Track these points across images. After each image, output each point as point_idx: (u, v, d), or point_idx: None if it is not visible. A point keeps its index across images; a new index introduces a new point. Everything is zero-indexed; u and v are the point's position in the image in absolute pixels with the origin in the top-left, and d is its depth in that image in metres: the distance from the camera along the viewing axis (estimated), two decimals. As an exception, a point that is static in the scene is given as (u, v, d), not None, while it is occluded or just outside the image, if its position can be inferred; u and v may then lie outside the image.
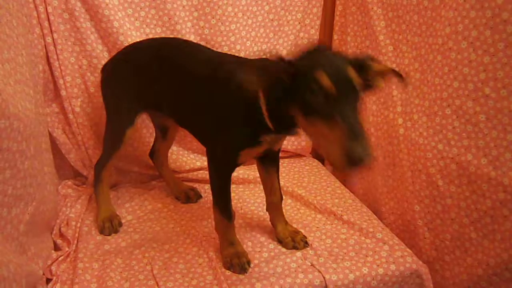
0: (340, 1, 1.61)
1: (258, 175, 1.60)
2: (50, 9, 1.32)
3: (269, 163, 1.27)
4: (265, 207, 1.33)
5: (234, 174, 1.60)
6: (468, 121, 1.11)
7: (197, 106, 1.19)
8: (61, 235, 1.32)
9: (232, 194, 1.53)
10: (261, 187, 1.59)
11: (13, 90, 0.88)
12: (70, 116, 1.44)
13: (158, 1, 1.44)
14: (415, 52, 1.29)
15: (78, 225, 1.37)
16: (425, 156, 1.25)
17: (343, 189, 1.58)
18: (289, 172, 1.70)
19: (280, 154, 1.77)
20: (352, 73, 0.84)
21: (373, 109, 1.49)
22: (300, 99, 0.86)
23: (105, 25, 1.39)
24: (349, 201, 1.50)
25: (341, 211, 1.41)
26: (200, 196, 1.54)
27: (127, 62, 1.29)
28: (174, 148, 1.65)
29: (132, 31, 1.43)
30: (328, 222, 1.37)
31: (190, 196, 1.52)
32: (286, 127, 1.00)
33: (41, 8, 1.30)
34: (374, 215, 1.41)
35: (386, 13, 1.39)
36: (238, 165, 1.16)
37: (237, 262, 1.15)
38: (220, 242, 1.22)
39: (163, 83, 1.23)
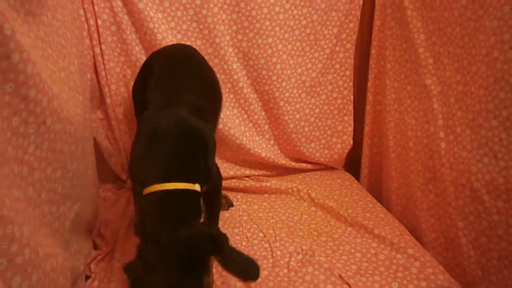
0: (379, 16, 1.62)
1: (289, 186, 1.63)
2: (99, 22, 1.41)
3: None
4: (295, 217, 1.35)
5: (267, 184, 1.65)
6: None
7: None
8: (100, 235, 1.39)
9: (264, 203, 1.57)
10: (292, 197, 1.62)
11: (67, 96, 0.96)
12: (113, 122, 1.52)
13: (199, 15, 1.51)
14: (457, 64, 1.28)
15: (116, 226, 1.44)
16: (469, 170, 1.22)
17: (375, 203, 1.57)
18: (320, 184, 1.71)
19: (312, 167, 1.82)
20: None
21: (412, 123, 1.47)
22: None
23: (149, 37, 1.47)
24: (381, 215, 1.49)
25: (372, 225, 1.41)
26: (232, 205, 1.57)
27: (142, 68, 1.36)
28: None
29: (175, 43, 1.50)
30: (359, 236, 1.37)
31: (222, 204, 1.55)
32: None
33: (91, 21, 1.40)
34: (407, 231, 1.40)
35: (427, 26, 1.39)
36: None
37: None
38: None
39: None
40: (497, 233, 1.15)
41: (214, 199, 1.23)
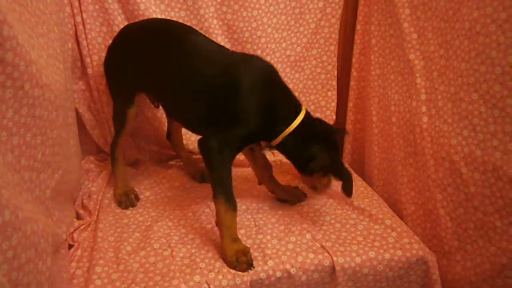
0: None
1: (272, 159, 1.64)
2: (80, -10, 1.37)
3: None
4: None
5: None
6: (495, 105, 1.10)
7: (199, 98, 1.23)
8: (83, 206, 1.39)
9: (248, 176, 1.58)
10: (275, 170, 1.63)
11: (46, 62, 0.94)
12: (95, 94, 1.50)
13: (183, -15, 1.48)
14: (441, 39, 1.29)
15: (100, 198, 1.44)
16: (449, 143, 1.24)
17: (356, 177, 1.61)
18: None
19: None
20: None
21: (395, 98, 1.49)
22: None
23: (132, 7, 1.44)
24: (361, 188, 1.52)
25: (353, 197, 1.44)
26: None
27: (123, 43, 1.35)
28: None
29: (158, 13, 1.48)
30: (339, 207, 1.40)
31: (205, 177, 1.57)
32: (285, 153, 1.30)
33: (72, -11, 1.36)
34: (385, 203, 1.44)
35: (411, 1, 1.40)
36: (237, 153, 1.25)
37: (244, 260, 1.12)
38: (222, 239, 1.16)
39: (156, 67, 1.27)
40: (473, 204, 1.19)
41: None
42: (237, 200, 1.41)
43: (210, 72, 1.20)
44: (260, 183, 1.48)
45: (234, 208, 1.17)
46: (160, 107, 1.48)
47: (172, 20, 1.39)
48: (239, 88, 1.16)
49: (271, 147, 1.27)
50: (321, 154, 1.22)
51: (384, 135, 1.57)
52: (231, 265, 1.12)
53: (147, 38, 1.30)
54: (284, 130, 1.21)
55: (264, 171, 1.42)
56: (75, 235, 1.24)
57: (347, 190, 1.22)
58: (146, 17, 1.45)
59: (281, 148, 1.26)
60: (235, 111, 1.17)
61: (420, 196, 1.39)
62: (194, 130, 1.35)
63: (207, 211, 1.39)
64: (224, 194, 1.16)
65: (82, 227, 1.28)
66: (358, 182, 1.57)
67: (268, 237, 1.24)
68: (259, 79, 1.21)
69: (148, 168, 1.65)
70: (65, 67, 1.19)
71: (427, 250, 1.22)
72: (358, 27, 1.68)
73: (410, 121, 1.42)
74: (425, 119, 1.35)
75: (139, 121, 1.63)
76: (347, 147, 1.82)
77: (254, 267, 1.12)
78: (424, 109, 1.35)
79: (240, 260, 1.11)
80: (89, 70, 1.47)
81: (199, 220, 1.34)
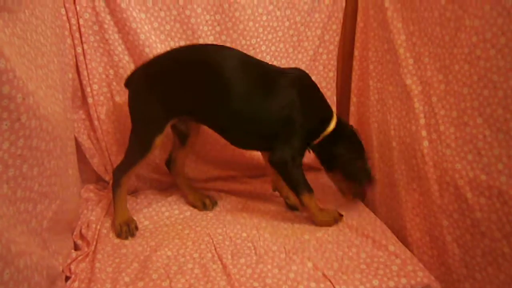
0: (361, 17, 1.64)
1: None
2: (81, 21, 1.40)
3: None
4: (279, 216, 1.36)
5: (251, 187, 1.65)
6: (500, 129, 1.09)
7: (258, 120, 1.35)
8: (81, 236, 1.37)
9: (248, 203, 1.57)
10: (276, 198, 1.62)
11: (44, 93, 0.95)
12: (96, 123, 1.51)
13: (182, 16, 1.51)
14: (439, 64, 1.30)
15: (98, 227, 1.42)
16: (453, 168, 1.23)
17: (358, 202, 1.59)
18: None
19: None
20: None
21: (394, 123, 1.49)
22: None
23: (132, 37, 1.46)
24: (363, 214, 1.50)
25: (355, 223, 1.42)
26: (216, 204, 1.57)
27: (156, 71, 1.35)
28: (193, 157, 1.70)
29: (158, 44, 1.50)
30: (341, 234, 1.38)
31: (206, 204, 1.55)
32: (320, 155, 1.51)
33: (73, 20, 1.39)
34: (388, 229, 1.41)
35: (407, 26, 1.41)
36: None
37: (334, 216, 1.45)
38: (314, 215, 1.43)
39: (199, 88, 1.32)
40: (480, 230, 1.16)
41: None
42: (238, 227, 1.41)
43: (262, 93, 1.34)
44: (274, 189, 1.60)
45: (313, 192, 1.41)
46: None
47: (208, 45, 1.48)
48: (293, 103, 1.35)
49: (311, 146, 1.44)
50: (347, 156, 1.44)
51: (385, 160, 1.56)
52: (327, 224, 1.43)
53: (194, 62, 1.33)
54: (325, 130, 1.41)
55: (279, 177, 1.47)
56: (72, 266, 1.21)
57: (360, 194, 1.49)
58: (145, 47, 1.47)
59: (318, 148, 1.45)
60: (294, 122, 1.35)
61: (425, 222, 1.36)
62: (251, 148, 1.52)
63: (206, 240, 1.36)
64: (306, 190, 1.39)
65: (79, 258, 1.25)
66: (360, 207, 1.55)
67: (269, 266, 1.22)
68: (305, 89, 1.40)
69: (147, 196, 1.63)
70: (65, 97, 1.20)
71: (432, 278, 1.19)
72: (356, 53, 1.70)
73: (411, 145, 1.41)
74: (425, 143, 1.34)
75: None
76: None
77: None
78: (424, 133, 1.35)
79: (335, 219, 1.44)
80: (90, 100, 1.48)
81: (199, 250, 1.31)
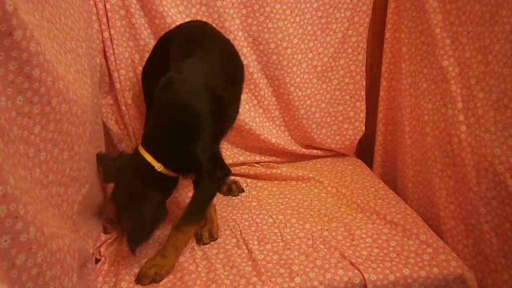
0: (393, -2, 1.57)
1: (300, 172, 1.61)
2: (108, 6, 1.40)
3: None
4: (305, 203, 1.33)
5: (277, 171, 1.63)
6: None
7: None
8: (109, 220, 1.39)
9: (274, 189, 1.55)
10: (303, 184, 1.60)
11: (73, 78, 0.95)
12: (123, 108, 1.52)
13: (209, -1, 1.49)
14: (478, 44, 1.23)
15: (126, 211, 1.44)
16: (492, 153, 1.17)
17: (387, 190, 1.54)
18: (331, 171, 1.69)
19: (323, 153, 1.79)
20: None
21: (428, 107, 1.43)
22: None
23: (158, 21, 1.45)
24: (393, 202, 1.46)
25: (384, 211, 1.39)
26: (243, 190, 1.56)
27: (154, 50, 1.38)
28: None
29: (183, 28, 1.49)
30: (370, 222, 1.35)
31: (232, 189, 1.55)
32: None
33: (100, 5, 1.39)
34: (419, 217, 1.37)
35: (443, 5, 1.34)
36: None
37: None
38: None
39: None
40: None
41: (198, 187, 1.26)
42: (264, 212, 1.40)
43: None
44: None
45: None
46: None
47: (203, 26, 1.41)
48: None
49: None
50: None
51: (418, 146, 1.51)
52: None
53: (168, 41, 1.33)
54: None
55: None
56: (102, 249, 1.23)
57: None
58: (172, 31, 1.46)
59: None
60: None
61: (461, 210, 1.31)
62: None
63: (232, 225, 1.36)
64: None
65: (109, 241, 1.27)
66: (390, 196, 1.50)
67: (296, 253, 1.20)
68: None
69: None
70: (93, 82, 1.20)
71: (466, 268, 1.15)
72: (387, 35, 1.63)
73: (446, 131, 1.35)
74: (463, 128, 1.28)
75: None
76: (377, 159, 1.76)
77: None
78: (461, 117, 1.29)
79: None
80: (117, 85, 1.49)
81: (224, 235, 1.31)
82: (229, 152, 1.72)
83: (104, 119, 1.48)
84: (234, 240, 1.28)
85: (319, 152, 1.79)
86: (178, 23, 1.47)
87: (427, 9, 1.38)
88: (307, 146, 1.79)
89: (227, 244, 1.26)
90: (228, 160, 1.70)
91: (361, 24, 1.64)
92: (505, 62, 1.12)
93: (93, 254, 1.17)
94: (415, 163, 1.53)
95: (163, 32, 1.46)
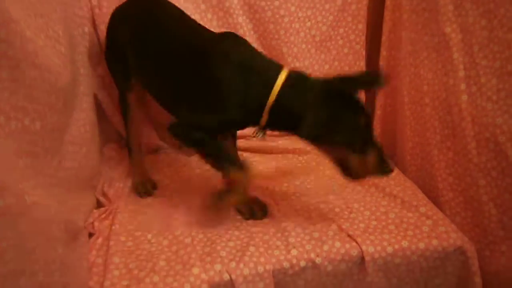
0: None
1: (297, 146, 1.57)
2: (95, -29, 1.33)
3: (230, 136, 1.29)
4: (302, 176, 1.30)
5: (273, 144, 1.60)
6: None
7: (181, 78, 1.11)
8: (104, 194, 1.37)
9: (272, 162, 1.52)
10: (300, 157, 1.56)
11: (44, 43, 0.89)
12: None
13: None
14: (482, 8, 1.17)
15: (121, 185, 1.42)
16: (494, 123, 1.14)
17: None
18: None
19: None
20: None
21: (428, 77, 1.38)
22: (335, 135, 0.98)
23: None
24: (392, 174, 1.42)
25: (383, 184, 1.36)
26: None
27: (111, 23, 1.30)
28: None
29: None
30: (368, 194, 1.32)
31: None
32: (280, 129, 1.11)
33: (87, -30, 1.32)
34: (419, 190, 1.35)
35: None
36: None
37: (260, 208, 1.21)
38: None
39: (138, 45, 1.21)
40: None
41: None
42: (260, 185, 1.37)
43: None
44: None
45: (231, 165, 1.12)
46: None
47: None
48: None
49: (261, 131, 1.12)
50: (310, 111, 0.96)
51: (417, 117, 1.46)
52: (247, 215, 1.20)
53: (131, 15, 1.26)
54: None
55: None
56: (96, 223, 1.21)
57: (379, 167, 1.03)
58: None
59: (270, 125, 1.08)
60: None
61: (460, 182, 1.28)
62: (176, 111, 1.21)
63: (228, 199, 1.34)
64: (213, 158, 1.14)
65: (103, 216, 1.25)
66: (388, 168, 1.47)
67: (292, 225, 1.18)
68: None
69: (169, 156, 1.61)
70: (77, 52, 1.15)
71: (466, 239, 1.13)
72: (387, 2, 1.57)
73: (446, 101, 1.31)
74: (464, 97, 1.24)
75: (157, 108, 1.59)
76: (377, 131, 1.72)
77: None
78: (463, 86, 1.24)
79: (255, 210, 1.21)
80: (107, 55, 1.43)
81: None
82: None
83: (96, 91, 1.43)
84: (232, 213, 1.26)
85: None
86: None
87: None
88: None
89: (224, 218, 1.24)
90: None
91: (358, 42, 1.58)
92: (510, 26, 1.07)
93: (85, 227, 1.15)
94: (413, 134, 1.49)
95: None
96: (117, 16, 1.30)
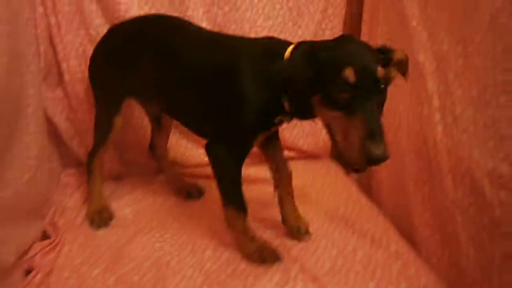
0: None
1: (267, 176, 1.48)
2: (55, -11, 1.27)
3: (272, 140, 1.19)
4: (268, 208, 1.21)
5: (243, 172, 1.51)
6: None
7: (200, 92, 1.08)
8: (53, 223, 1.27)
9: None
10: (268, 188, 1.47)
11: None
12: (74, 101, 1.39)
13: (169, -16, 1.37)
14: (457, 35, 1.12)
15: (74, 214, 1.32)
16: (470, 157, 1.06)
17: (360, 195, 1.43)
18: (302, 174, 1.56)
19: (296, 154, 1.67)
20: (380, 71, 0.84)
21: (402, 106, 1.32)
22: (324, 91, 0.85)
23: (112, 8, 1.33)
24: (365, 208, 1.35)
25: (354, 218, 1.27)
26: (203, 193, 1.44)
27: (109, 44, 1.22)
28: (183, 141, 1.57)
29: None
30: (337, 230, 1.23)
31: (191, 193, 1.43)
32: (304, 113, 0.98)
33: (45, -13, 1.26)
34: (392, 226, 1.26)
35: None
36: (249, 152, 1.07)
37: (269, 253, 1.08)
38: (238, 240, 1.12)
39: (150, 65, 1.14)
40: (500, 230, 0.99)
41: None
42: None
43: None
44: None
45: (245, 213, 1.10)
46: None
47: (162, 15, 1.25)
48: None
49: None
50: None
51: (394, 148, 1.39)
52: (258, 262, 1.08)
53: (140, 35, 1.17)
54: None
55: (281, 173, 1.21)
56: (36, 257, 1.10)
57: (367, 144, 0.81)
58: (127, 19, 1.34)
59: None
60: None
61: (436, 218, 1.20)
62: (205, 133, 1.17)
63: (188, 231, 1.24)
64: (234, 201, 1.11)
65: (46, 249, 1.14)
66: (362, 201, 1.39)
67: (252, 265, 1.08)
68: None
69: (131, 182, 1.52)
70: (26, 71, 1.08)
71: (438, 281, 1.03)
72: (364, 29, 1.53)
73: (422, 131, 1.24)
74: (439, 128, 1.17)
75: (124, 131, 1.51)
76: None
77: (281, 258, 1.08)
78: (438, 117, 1.18)
79: (265, 255, 1.08)
80: (66, 76, 1.36)
81: (177, 243, 1.19)
82: (194, 152, 1.60)
83: (50, 114, 1.35)
84: (189, 247, 1.17)
85: (291, 154, 1.67)
86: (133, 11, 1.35)
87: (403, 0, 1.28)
88: (279, 147, 1.67)
89: (181, 251, 1.15)
90: (191, 161, 1.58)
91: (336, 15, 1.53)
92: (487, 54, 1.01)
93: (15, 263, 1.03)
94: (390, 166, 1.41)
95: (117, 21, 1.34)
96: (120, 35, 1.21)
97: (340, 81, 0.82)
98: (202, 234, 1.22)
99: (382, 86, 0.85)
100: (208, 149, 1.07)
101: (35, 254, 1.11)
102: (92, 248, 1.18)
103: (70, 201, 1.38)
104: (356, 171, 0.90)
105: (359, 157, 0.79)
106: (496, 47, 0.97)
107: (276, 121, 1.03)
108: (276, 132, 1.19)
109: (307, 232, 1.18)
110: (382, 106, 0.88)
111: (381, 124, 0.81)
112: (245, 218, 1.10)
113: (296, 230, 1.17)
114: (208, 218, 1.30)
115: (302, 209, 1.32)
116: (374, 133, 0.78)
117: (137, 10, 1.37)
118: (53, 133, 1.41)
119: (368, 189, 1.54)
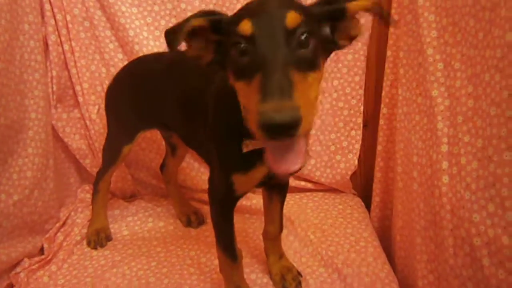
0: (396, 8, 1.29)
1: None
2: (68, 17, 1.33)
3: (275, 192, 1.10)
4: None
5: (247, 203, 1.44)
6: None
7: (194, 123, 1.05)
8: (50, 239, 1.32)
9: (237, 225, 1.35)
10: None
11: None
12: (87, 122, 1.45)
13: (178, 9, 1.36)
14: (470, 71, 0.94)
15: (77, 232, 1.36)
16: (470, 219, 0.89)
17: (372, 239, 1.27)
18: (314, 210, 1.45)
19: (314, 186, 1.55)
20: (292, 18, 0.64)
21: (418, 146, 1.15)
22: (229, 60, 0.69)
23: (122, 33, 1.36)
24: (369, 258, 1.19)
25: (348, 270, 1.13)
26: (202, 223, 1.40)
27: (129, 77, 1.22)
28: (195, 164, 1.55)
29: (150, 41, 1.38)
30: (329, 281, 1.10)
31: (191, 220, 1.39)
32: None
33: (59, 16, 1.32)
34: (394, 284, 1.09)
35: (440, 19, 1.06)
36: (236, 198, 0.96)
37: None
38: (225, 285, 1.05)
39: (166, 98, 1.13)
40: None
41: None
42: (215, 253, 1.21)
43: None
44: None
45: (233, 260, 1.01)
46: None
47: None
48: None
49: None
50: None
51: (407, 192, 1.22)
52: None
53: (160, 71, 1.15)
54: None
55: (270, 227, 1.13)
56: (21, 274, 1.16)
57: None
58: (135, 44, 1.36)
59: None
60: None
61: (440, 284, 1.02)
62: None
63: (173, 261, 1.21)
64: (221, 244, 1.02)
65: (34, 266, 1.20)
66: (370, 249, 1.24)
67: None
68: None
69: (139, 204, 1.53)
70: (26, 96, 1.14)
71: None
72: (388, 53, 1.36)
73: (431, 179, 1.07)
74: (445, 179, 0.99)
75: (138, 152, 1.54)
76: (375, 199, 1.47)
77: None
78: (445, 165, 1.00)
79: None
80: (80, 99, 1.42)
81: (159, 273, 1.17)
82: (205, 177, 1.56)
83: (61, 134, 1.42)
84: (166, 281, 1.13)
85: (308, 185, 1.55)
86: (142, 36, 1.36)
87: (421, 23, 1.11)
88: (296, 177, 1.57)
89: (159, 285, 1.12)
90: (201, 184, 1.55)
91: (359, 39, 1.38)
92: (493, 98, 0.83)
93: (9, 278, 1.10)
94: (403, 211, 1.23)
95: (128, 46, 1.37)
96: (142, 70, 1.21)
97: (237, 39, 0.65)
98: (186, 266, 1.19)
99: (303, 37, 0.64)
100: (209, 187, 1.01)
101: (21, 271, 1.16)
102: (79, 269, 1.21)
103: (79, 218, 1.43)
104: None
105: (255, 126, 0.57)
106: (502, 91, 0.79)
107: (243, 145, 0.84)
108: (285, 184, 1.10)
109: (298, 285, 1.09)
110: (308, 64, 0.65)
111: (289, 83, 0.58)
112: (233, 265, 1.02)
113: (281, 285, 1.10)
114: (197, 249, 1.26)
115: (300, 250, 1.24)
116: (272, 93, 0.56)
117: (146, 36, 1.38)
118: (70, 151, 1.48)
119: (388, 235, 1.37)
